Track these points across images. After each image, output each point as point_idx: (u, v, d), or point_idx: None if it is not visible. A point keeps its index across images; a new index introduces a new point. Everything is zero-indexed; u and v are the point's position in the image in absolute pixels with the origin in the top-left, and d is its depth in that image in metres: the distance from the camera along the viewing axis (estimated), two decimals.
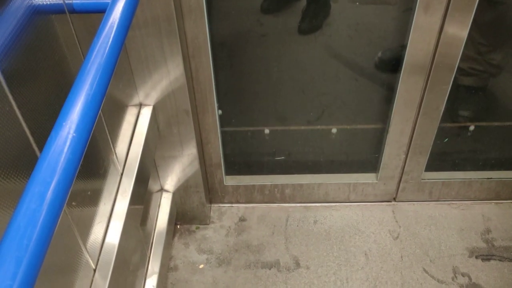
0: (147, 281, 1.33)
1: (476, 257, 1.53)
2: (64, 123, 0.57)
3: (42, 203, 0.49)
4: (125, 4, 0.79)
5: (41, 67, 0.72)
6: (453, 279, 1.47)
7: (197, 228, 1.65)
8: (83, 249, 0.87)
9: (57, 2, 0.80)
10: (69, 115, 0.58)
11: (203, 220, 1.65)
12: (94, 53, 0.64)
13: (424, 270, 1.50)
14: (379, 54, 1.49)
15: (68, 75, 0.83)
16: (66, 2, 0.82)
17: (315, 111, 1.56)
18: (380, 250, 1.56)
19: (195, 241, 1.61)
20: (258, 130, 1.59)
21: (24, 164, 0.64)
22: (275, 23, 1.44)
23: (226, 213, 1.69)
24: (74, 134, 0.57)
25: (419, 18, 1.22)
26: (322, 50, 1.41)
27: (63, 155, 0.55)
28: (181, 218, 1.65)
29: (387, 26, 1.43)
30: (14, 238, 0.46)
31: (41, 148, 0.67)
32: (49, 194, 0.49)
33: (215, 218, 1.68)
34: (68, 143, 0.56)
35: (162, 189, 1.56)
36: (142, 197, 1.20)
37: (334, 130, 1.58)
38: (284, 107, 1.55)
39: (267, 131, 1.59)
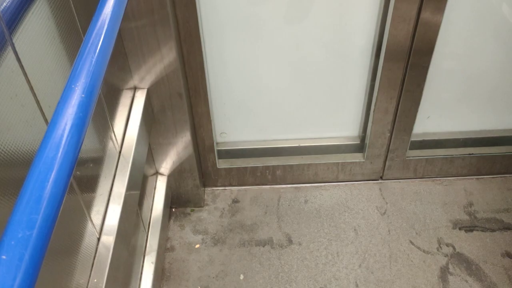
0: (146, 258, 1.38)
1: (460, 229, 1.60)
2: (73, 86, 0.63)
3: (58, 151, 0.54)
4: None
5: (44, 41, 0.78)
6: (438, 249, 1.54)
7: (192, 210, 1.71)
8: (88, 217, 0.92)
9: None
10: (79, 79, 0.63)
11: (197, 203, 1.71)
12: (98, 23, 0.70)
13: (411, 242, 1.57)
14: (361, 40, 1.56)
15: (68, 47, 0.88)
16: None
17: (303, 93, 1.62)
18: (369, 225, 1.63)
19: (190, 223, 1.66)
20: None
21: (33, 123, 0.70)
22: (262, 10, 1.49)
23: (219, 196, 1.75)
24: (83, 95, 0.62)
25: (397, 4, 1.29)
26: (308, 36, 1.47)
27: (75, 113, 0.60)
28: (176, 201, 1.70)
29: (369, 13, 1.49)
30: (36, 180, 0.51)
31: (47, 110, 0.72)
32: (64, 142, 0.55)
33: (209, 200, 1.74)
34: (77, 103, 0.61)
35: (157, 173, 1.61)
36: (139, 178, 1.25)
37: (320, 110, 1.65)
38: (276, 93, 1.61)
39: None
